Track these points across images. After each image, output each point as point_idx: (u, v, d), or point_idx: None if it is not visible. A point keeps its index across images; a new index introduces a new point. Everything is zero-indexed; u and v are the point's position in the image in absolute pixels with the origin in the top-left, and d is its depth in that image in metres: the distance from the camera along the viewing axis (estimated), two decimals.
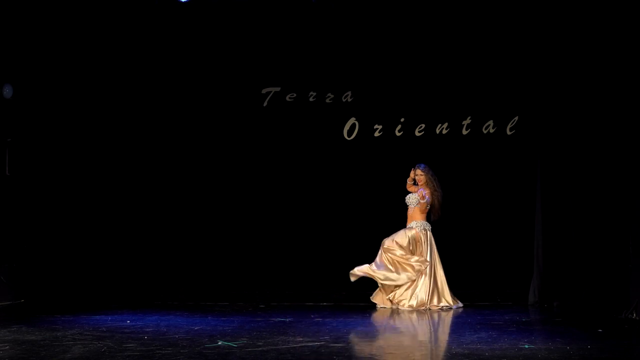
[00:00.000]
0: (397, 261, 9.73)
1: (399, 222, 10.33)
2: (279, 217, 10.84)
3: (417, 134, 10.71)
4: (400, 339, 7.97)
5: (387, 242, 9.79)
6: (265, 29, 10.75)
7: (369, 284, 10.32)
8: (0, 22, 10.30)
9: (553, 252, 10.10)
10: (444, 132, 10.67)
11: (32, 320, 8.67)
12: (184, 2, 10.55)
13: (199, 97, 10.95)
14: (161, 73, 10.93)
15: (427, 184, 9.88)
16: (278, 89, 10.89)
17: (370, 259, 10.13)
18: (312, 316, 9.20)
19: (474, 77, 10.59)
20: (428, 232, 9.84)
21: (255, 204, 10.89)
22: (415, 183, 9.98)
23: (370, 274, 9.79)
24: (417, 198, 9.86)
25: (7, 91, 10.42)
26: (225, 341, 7.33)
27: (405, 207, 9.96)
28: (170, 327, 8.27)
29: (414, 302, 9.64)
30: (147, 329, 8.09)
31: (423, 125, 10.70)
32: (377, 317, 9.27)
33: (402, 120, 10.72)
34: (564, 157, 10.04)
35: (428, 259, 9.70)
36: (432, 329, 8.59)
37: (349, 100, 10.81)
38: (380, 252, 9.81)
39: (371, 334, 8.31)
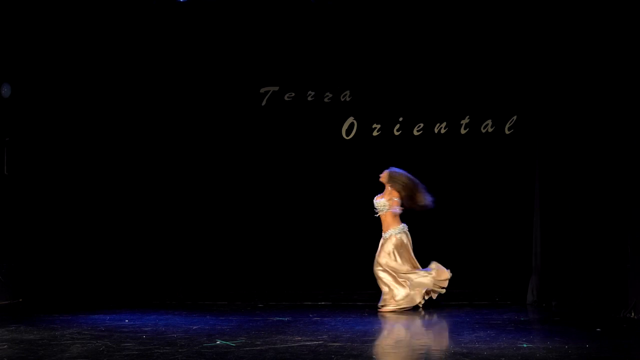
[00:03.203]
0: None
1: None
2: (277, 216, 10.83)
3: (415, 133, 10.71)
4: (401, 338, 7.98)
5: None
6: (264, 28, 10.75)
7: (368, 284, 10.31)
8: None
9: (551, 251, 10.11)
10: (443, 131, 10.66)
11: (30, 320, 8.67)
12: (183, 1, 10.55)
13: (198, 97, 10.94)
14: (160, 72, 10.92)
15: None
16: (276, 88, 10.89)
17: (368, 258, 10.12)
18: (310, 315, 9.20)
19: (472, 76, 10.58)
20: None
21: (253, 203, 10.88)
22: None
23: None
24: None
25: (6, 90, 10.42)
26: (223, 340, 7.33)
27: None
28: (168, 326, 8.27)
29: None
30: (146, 328, 8.09)
31: (421, 125, 10.69)
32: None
33: (401, 119, 10.72)
34: (562, 156, 10.05)
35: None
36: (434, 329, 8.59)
37: (348, 99, 10.80)
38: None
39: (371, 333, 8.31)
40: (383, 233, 9.80)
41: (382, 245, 9.76)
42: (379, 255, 9.72)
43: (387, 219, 9.80)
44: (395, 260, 9.67)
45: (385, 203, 9.77)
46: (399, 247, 9.71)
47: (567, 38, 10.00)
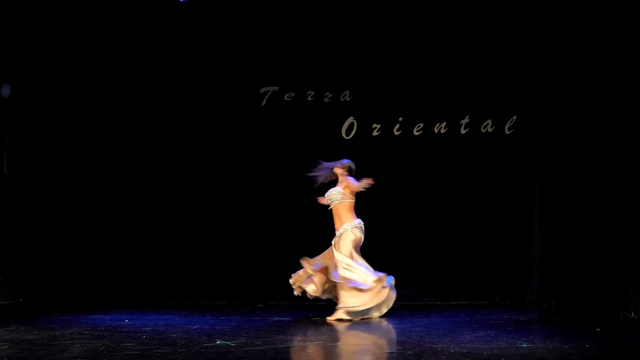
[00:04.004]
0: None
1: (398, 221, 10.35)
2: (277, 216, 10.83)
3: (415, 133, 10.71)
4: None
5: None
6: (264, 28, 10.75)
7: None
8: None
9: (551, 251, 10.11)
10: (442, 131, 10.66)
11: (30, 320, 8.67)
12: (183, 1, 10.55)
13: (198, 97, 10.94)
14: (160, 72, 10.92)
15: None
16: (276, 88, 10.89)
17: (369, 258, 10.12)
18: (310, 315, 9.20)
19: (472, 76, 10.58)
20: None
21: (253, 203, 10.88)
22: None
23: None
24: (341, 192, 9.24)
25: (5, 90, 10.42)
26: (223, 340, 7.33)
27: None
28: (168, 326, 8.28)
29: None
30: (146, 328, 8.10)
31: (421, 125, 10.69)
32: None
33: (401, 119, 10.72)
34: (562, 156, 10.05)
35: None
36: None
37: (347, 99, 10.80)
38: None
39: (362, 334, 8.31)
40: (336, 230, 9.20)
41: (336, 245, 9.12)
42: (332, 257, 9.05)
43: (341, 212, 9.15)
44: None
45: (341, 191, 9.16)
46: (357, 243, 9.16)
47: (567, 38, 10.00)
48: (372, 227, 10.27)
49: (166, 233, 10.91)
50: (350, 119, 10.80)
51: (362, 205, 10.33)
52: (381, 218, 10.17)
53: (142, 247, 10.89)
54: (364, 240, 9.32)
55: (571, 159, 9.97)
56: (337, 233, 9.20)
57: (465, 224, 10.57)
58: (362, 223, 9.23)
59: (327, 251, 9.21)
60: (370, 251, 10.22)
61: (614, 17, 9.50)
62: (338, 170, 9.36)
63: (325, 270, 9.12)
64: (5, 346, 7.06)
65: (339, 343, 7.53)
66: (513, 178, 10.51)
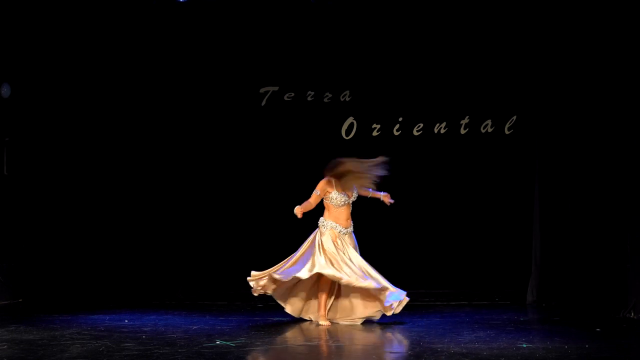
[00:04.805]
0: None
1: (399, 221, 10.34)
2: (277, 216, 10.81)
3: (415, 133, 10.71)
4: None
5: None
6: (264, 28, 10.75)
7: None
8: None
9: (551, 251, 10.12)
10: (442, 131, 10.66)
11: (30, 320, 8.67)
12: (182, 1, 10.55)
13: (198, 97, 10.94)
14: (159, 72, 10.92)
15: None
16: (276, 88, 10.89)
17: (370, 258, 10.13)
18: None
19: (472, 76, 10.58)
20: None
21: (253, 203, 10.87)
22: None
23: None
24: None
25: (5, 90, 10.42)
26: (223, 341, 7.33)
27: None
28: (168, 326, 8.27)
29: None
30: (145, 329, 8.10)
31: (421, 125, 10.69)
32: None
33: (400, 119, 10.72)
34: (562, 156, 10.06)
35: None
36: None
37: (347, 99, 10.80)
38: None
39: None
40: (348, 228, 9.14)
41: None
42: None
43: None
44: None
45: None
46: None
47: (567, 38, 10.01)
48: (373, 228, 10.29)
49: (166, 233, 10.91)
50: (350, 119, 10.80)
51: (362, 206, 10.35)
52: (381, 218, 10.17)
53: (142, 247, 10.89)
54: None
55: (571, 159, 9.98)
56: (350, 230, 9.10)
57: (465, 224, 10.57)
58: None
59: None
60: (371, 251, 10.24)
61: (613, 18, 9.51)
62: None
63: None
64: (5, 346, 7.06)
65: (339, 343, 7.52)
66: (513, 178, 10.51)
